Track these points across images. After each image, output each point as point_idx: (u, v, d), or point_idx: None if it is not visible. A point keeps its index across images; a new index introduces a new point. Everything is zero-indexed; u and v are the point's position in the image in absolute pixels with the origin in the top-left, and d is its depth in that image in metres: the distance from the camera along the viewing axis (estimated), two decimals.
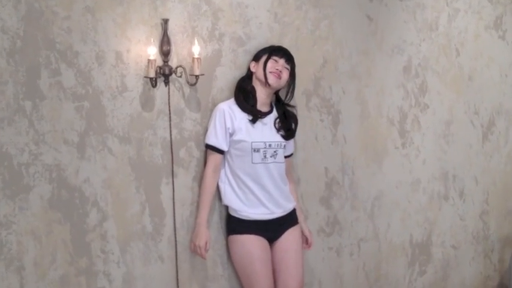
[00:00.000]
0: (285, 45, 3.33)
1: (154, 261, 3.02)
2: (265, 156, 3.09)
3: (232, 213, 3.13)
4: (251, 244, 3.08)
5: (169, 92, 2.99)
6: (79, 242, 2.80)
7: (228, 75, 3.17)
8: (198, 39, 3.00)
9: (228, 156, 3.09)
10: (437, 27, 4.05)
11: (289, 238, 3.20)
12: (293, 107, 3.30)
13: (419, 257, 4.11)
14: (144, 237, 2.98)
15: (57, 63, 2.69)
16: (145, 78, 2.91)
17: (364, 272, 3.83)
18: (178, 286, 3.08)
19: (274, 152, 3.12)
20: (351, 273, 3.76)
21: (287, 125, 3.22)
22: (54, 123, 2.70)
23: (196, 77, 2.98)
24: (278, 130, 3.16)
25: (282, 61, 3.13)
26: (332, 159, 3.60)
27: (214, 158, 3.04)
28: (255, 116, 3.08)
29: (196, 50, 2.95)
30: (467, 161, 4.33)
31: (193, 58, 2.95)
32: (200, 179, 3.11)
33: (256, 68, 3.13)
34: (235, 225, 3.12)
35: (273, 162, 3.12)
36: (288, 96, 3.24)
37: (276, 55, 3.12)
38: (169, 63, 2.95)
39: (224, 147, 3.03)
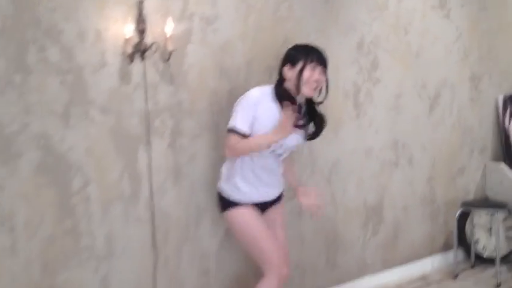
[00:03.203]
0: (249, 25, 3.57)
1: (132, 222, 3.24)
2: (273, 151, 3.13)
3: (225, 196, 3.19)
4: (248, 213, 3.14)
5: (145, 67, 3.19)
6: (65, 204, 3.01)
7: (198, 52, 3.39)
8: (171, 19, 3.19)
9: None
10: (387, 7, 4.32)
11: (276, 211, 3.31)
12: (320, 102, 3.23)
13: (372, 218, 4.39)
14: (124, 200, 3.20)
15: (43, 40, 2.89)
16: (123, 55, 3.11)
17: (322, 233, 4.10)
18: (155, 244, 3.32)
19: (283, 151, 3.18)
20: (310, 234, 4.03)
21: (316, 126, 3.22)
22: (41, 95, 2.90)
23: (170, 53, 3.19)
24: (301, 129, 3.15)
25: (319, 68, 3.05)
26: None
27: (239, 140, 3.02)
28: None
29: (169, 28, 3.15)
30: (416, 130, 4.60)
31: (167, 36, 3.16)
32: (174, 147, 3.33)
33: (292, 74, 3.06)
34: (228, 203, 3.19)
35: (279, 157, 3.19)
36: (323, 95, 3.18)
37: (313, 62, 3.03)
38: (145, 40, 3.14)
39: (249, 132, 3.03)
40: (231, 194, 3.18)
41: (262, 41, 3.66)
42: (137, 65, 3.18)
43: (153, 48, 3.18)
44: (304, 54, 3.06)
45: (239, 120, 3.03)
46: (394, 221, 4.55)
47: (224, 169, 3.25)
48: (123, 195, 3.21)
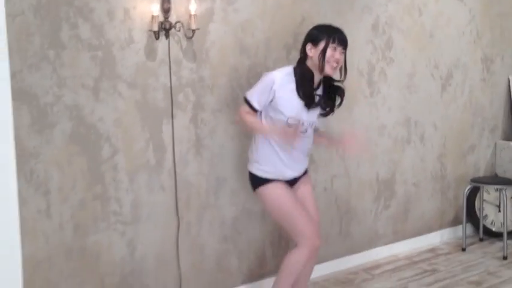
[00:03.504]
0: (268, 5, 3.74)
1: (157, 190, 3.45)
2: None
3: (258, 173, 3.32)
4: (280, 188, 3.29)
5: (169, 44, 3.38)
6: (95, 171, 3.23)
7: (219, 30, 3.57)
8: None
9: (267, 117, 3.25)
10: None
11: (305, 184, 3.45)
12: (340, 81, 3.37)
13: (384, 192, 4.57)
14: (149, 169, 3.41)
15: (75, 18, 3.09)
16: (149, 32, 3.30)
17: (336, 205, 4.30)
18: (178, 212, 3.54)
19: (305, 129, 3.28)
20: (324, 205, 4.22)
21: (329, 104, 3.34)
22: (73, 69, 3.10)
23: (193, 31, 3.38)
24: (319, 107, 3.28)
25: (340, 49, 3.20)
26: None
27: (249, 111, 3.24)
28: (311, 103, 3.23)
29: (192, 7, 3.33)
30: (428, 109, 4.75)
31: (190, 15, 3.33)
32: (195, 121, 3.52)
33: (314, 52, 3.21)
34: (260, 181, 3.32)
35: (304, 137, 3.29)
36: (342, 76, 3.32)
37: (335, 42, 3.18)
38: (169, 19, 3.34)
39: (260, 109, 3.23)
40: (263, 173, 3.30)
41: (280, 20, 3.82)
42: (162, 42, 3.37)
43: (177, 26, 3.37)
44: (326, 34, 3.22)
45: (254, 96, 3.22)
46: (405, 195, 4.72)
47: (254, 149, 3.35)
48: (148, 164, 3.41)
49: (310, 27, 3.71)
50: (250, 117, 3.27)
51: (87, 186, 3.22)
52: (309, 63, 3.27)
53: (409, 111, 4.65)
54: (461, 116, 5.02)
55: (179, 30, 3.40)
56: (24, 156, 3.00)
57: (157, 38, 3.33)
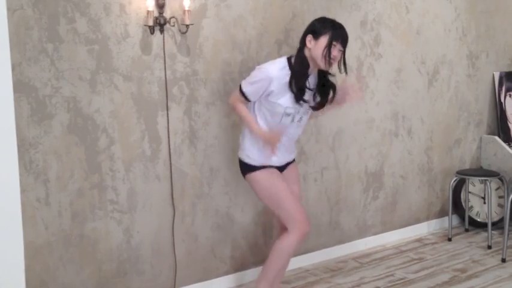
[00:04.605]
0: (260, 2, 3.84)
1: (152, 180, 3.56)
2: (293, 120, 3.35)
3: (246, 160, 3.43)
4: (270, 174, 3.41)
5: (164, 39, 3.49)
6: (92, 161, 3.33)
7: (212, 26, 3.69)
8: None
9: (262, 108, 3.34)
10: None
11: (291, 170, 3.58)
12: (333, 75, 3.43)
13: (372, 184, 4.69)
14: (144, 159, 3.52)
15: (72, 13, 3.19)
16: (144, 27, 3.40)
17: (326, 196, 4.41)
18: (173, 201, 3.65)
19: (300, 117, 3.38)
20: (315, 196, 4.34)
21: (322, 97, 3.40)
22: (71, 62, 3.21)
23: (187, 26, 3.49)
24: (312, 99, 3.36)
25: (339, 46, 3.25)
26: None
27: (243, 100, 3.35)
28: (300, 96, 3.28)
29: (186, 3, 3.43)
30: (415, 103, 4.87)
31: (184, 10, 3.44)
32: (189, 113, 3.63)
33: (313, 45, 3.24)
34: (250, 168, 3.42)
35: (298, 126, 3.41)
36: (341, 69, 3.34)
37: (337, 40, 3.23)
38: (164, 14, 3.44)
39: (253, 100, 3.34)
40: (251, 160, 3.41)
41: (271, 17, 3.93)
42: (157, 37, 3.48)
43: (172, 21, 3.48)
44: (330, 30, 3.25)
45: (250, 89, 3.30)
46: (393, 187, 4.84)
47: (243, 136, 3.46)
48: (144, 155, 3.52)
49: (301, 23, 3.83)
50: (242, 108, 3.37)
51: (84, 176, 3.32)
52: (306, 53, 3.31)
53: (397, 105, 4.76)
54: (447, 110, 5.14)
55: (173, 26, 3.51)
56: (23, 146, 3.10)
57: (152, 33, 3.43)
